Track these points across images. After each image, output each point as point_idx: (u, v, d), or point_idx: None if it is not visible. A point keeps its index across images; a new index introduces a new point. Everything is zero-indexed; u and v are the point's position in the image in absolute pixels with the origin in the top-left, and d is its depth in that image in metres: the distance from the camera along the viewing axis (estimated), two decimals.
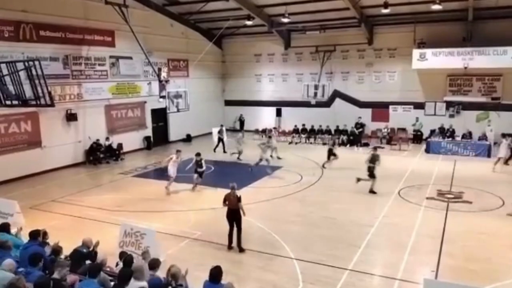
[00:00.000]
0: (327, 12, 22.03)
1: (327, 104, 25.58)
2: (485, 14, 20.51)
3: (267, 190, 14.54)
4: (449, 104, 22.93)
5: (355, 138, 23.18)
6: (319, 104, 25.33)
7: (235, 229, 9.57)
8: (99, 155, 19.17)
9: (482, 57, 20.56)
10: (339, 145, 22.93)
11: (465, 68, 20.91)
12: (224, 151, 21.21)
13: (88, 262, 6.76)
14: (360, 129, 23.93)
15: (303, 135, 24.65)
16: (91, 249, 7.11)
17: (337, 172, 16.86)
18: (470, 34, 21.25)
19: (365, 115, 24.63)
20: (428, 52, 21.54)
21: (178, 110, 24.11)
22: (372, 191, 13.84)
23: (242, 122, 27.35)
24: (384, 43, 24.03)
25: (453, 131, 21.51)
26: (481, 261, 8.83)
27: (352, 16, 22.02)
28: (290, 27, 24.90)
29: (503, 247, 9.56)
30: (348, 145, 22.83)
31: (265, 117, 27.68)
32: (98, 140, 19.33)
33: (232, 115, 28.08)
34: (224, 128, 22.12)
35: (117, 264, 6.94)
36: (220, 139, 21.47)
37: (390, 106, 23.92)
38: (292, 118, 26.27)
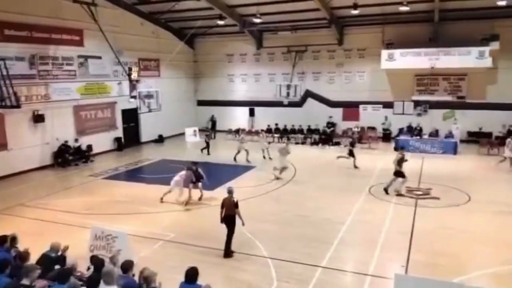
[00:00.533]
0: (299, 13, 22.22)
1: (299, 104, 25.82)
2: (450, 15, 21.21)
3: (241, 189, 14.43)
4: (416, 103, 23.56)
5: (327, 137, 23.49)
6: (291, 104, 25.56)
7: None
8: (68, 157, 18.67)
9: (447, 57, 21.22)
10: (311, 144, 23.28)
11: (432, 68, 21.55)
12: (205, 152, 20.76)
13: (57, 266, 6.59)
14: (332, 129, 24.31)
15: (276, 135, 24.80)
16: (59, 253, 6.93)
17: (310, 171, 17.07)
18: (437, 35, 21.94)
19: (336, 114, 25.03)
20: (396, 52, 22.08)
21: (149, 111, 23.82)
22: (399, 194, 13.52)
23: (214, 123, 27.02)
24: (354, 43, 24.46)
25: (421, 130, 22.15)
26: (448, 256, 9.13)
27: (323, 17, 22.33)
28: (262, 27, 25.00)
29: (469, 242, 9.93)
30: (320, 144, 23.13)
31: (238, 117, 27.67)
32: (66, 141, 18.84)
33: (205, 115, 27.81)
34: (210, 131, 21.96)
35: (88, 269, 6.79)
36: (207, 142, 20.95)
37: (360, 106, 24.47)
38: (265, 118, 26.40)
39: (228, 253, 9.18)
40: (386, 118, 23.78)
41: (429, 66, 21.49)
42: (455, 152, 19.84)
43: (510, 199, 12.92)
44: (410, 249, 9.48)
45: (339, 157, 17.78)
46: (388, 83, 23.90)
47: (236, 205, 9.22)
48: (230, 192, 9.41)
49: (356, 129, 24.00)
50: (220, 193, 14.06)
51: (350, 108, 24.74)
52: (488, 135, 21.64)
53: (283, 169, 16.01)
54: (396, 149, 20.83)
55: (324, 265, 8.74)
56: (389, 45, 22.47)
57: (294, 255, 9.10)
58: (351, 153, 17.58)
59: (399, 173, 13.65)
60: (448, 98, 22.70)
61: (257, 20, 22.07)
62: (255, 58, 27.20)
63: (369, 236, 10.27)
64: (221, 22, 23.21)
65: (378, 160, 18.85)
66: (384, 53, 22.32)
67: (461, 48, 20.93)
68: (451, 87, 22.80)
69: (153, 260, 8.22)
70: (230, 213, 9.23)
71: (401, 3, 18.76)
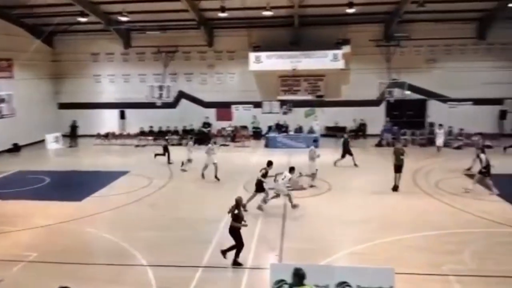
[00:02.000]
0: (167, 13, 21.96)
1: (173, 105, 25.59)
2: (309, 21, 23.11)
3: (114, 197, 13.85)
4: (282, 103, 25.27)
5: (204, 137, 23.67)
6: (165, 105, 25.18)
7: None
8: None
9: (307, 60, 23.14)
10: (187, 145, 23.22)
11: (294, 69, 23.32)
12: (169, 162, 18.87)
13: None
14: (209, 129, 24.66)
15: (150, 137, 24.15)
16: None
17: (186, 173, 17.04)
18: (298, 39, 23.79)
19: (210, 114, 25.43)
20: (263, 55, 23.32)
21: (1, 116, 21.06)
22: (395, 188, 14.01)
23: (74, 128, 24.25)
24: (224, 45, 25.10)
25: (287, 127, 23.94)
26: (317, 240, 10.06)
27: (192, 18, 22.41)
28: (129, 26, 24.05)
29: (333, 225, 11.09)
30: (196, 145, 23.16)
31: (108, 120, 26.14)
32: None
33: (69, 119, 25.41)
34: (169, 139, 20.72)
35: None
36: (166, 147, 19.21)
37: (232, 106, 25.31)
38: (138, 120, 25.48)
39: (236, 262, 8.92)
40: (254, 117, 25.09)
41: (291, 68, 23.21)
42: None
43: (362, 184, 14.76)
44: (283, 238, 10.19)
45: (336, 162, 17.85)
46: (256, 84, 25.12)
47: (234, 217, 8.92)
48: (236, 201, 9.16)
49: (229, 129, 24.75)
50: (89, 203, 13.23)
51: (223, 108, 25.40)
52: (343, 129, 24.25)
53: (313, 175, 15.00)
54: (267, 146, 22.15)
55: (205, 264, 8.88)
56: (256, 48, 23.64)
57: (173, 259, 9.04)
58: (348, 152, 17.73)
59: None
60: (309, 97, 24.82)
61: (124, 19, 21.17)
62: (123, 58, 26.00)
63: (245, 230, 10.65)
64: (83, 20, 21.59)
65: (250, 157, 19.75)
66: (252, 55, 23.40)
67: (319, 51, 23.01)
68: (311, 87, 24.96)
69: (16, 285, 7.40)
70: (230, 224, 9.02)
71: (264, 8, 19.86)
